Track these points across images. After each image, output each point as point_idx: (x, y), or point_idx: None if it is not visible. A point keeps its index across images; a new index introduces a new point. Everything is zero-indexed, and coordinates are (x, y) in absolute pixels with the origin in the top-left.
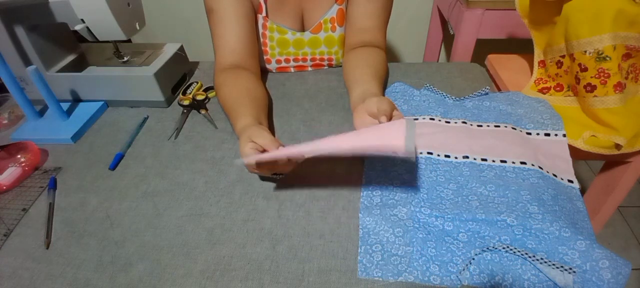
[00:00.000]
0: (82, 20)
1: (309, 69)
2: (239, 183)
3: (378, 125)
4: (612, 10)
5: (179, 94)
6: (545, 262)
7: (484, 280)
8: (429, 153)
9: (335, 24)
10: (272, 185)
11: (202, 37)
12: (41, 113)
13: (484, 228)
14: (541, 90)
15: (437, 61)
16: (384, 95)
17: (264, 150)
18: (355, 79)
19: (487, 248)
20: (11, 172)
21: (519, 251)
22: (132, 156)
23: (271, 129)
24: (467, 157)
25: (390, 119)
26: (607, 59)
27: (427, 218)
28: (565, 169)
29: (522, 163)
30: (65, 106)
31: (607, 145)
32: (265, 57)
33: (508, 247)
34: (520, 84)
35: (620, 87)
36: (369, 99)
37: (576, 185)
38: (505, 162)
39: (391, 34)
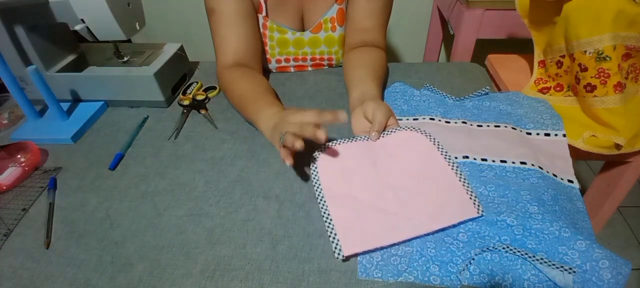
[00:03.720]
0: (82, 20)
1: (309, 68)
2: (239, 184)
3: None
4: (612, 10)
5: (179, 94)
6: (545, 262)
7: (484, 280)
8: None
9: (336, 24)
10: (272, 185)
11: (202, 37)
12: (41, 113)
13: (484, 229)
14: (541, 90)
15: (437, 61)
16: (383, 95)
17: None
18: (355, 80)
19: (487, 248)
20: (11, 172)
21: (519, 251)
22: (132, 156)
23: None
24: (467, 157)
25: (384, 128)
26: (607, 59)
27: None
28: (565, 169)
29: (522, 163)
30: (65, 106)
31: (607, 145)
32: (265, 57)
33: (508, 247)
34: (520, 84)
35: (620, 87)
36: (366, 102)
37: (576, 185)
38: (505, 162)
39: (391, 34)
